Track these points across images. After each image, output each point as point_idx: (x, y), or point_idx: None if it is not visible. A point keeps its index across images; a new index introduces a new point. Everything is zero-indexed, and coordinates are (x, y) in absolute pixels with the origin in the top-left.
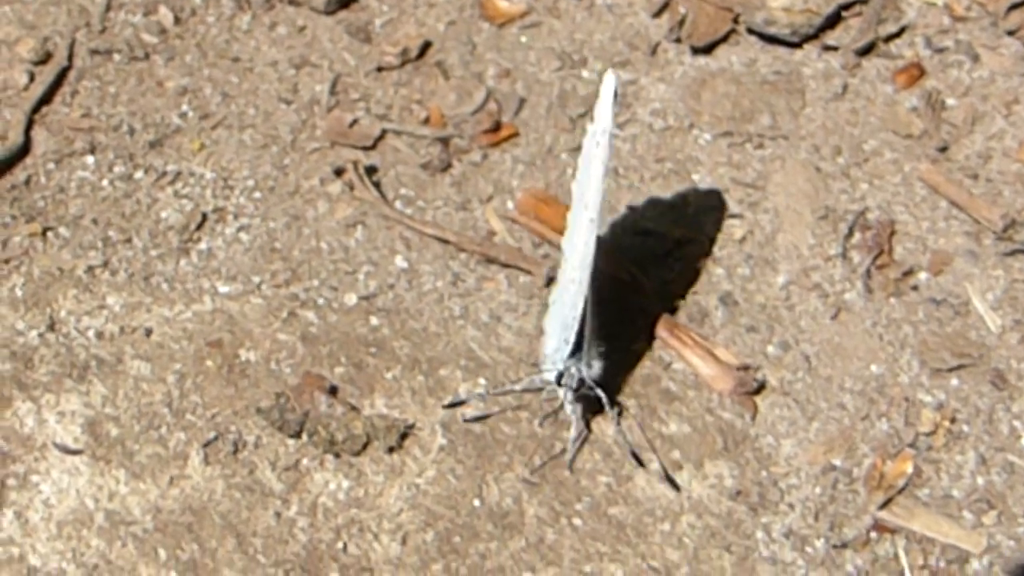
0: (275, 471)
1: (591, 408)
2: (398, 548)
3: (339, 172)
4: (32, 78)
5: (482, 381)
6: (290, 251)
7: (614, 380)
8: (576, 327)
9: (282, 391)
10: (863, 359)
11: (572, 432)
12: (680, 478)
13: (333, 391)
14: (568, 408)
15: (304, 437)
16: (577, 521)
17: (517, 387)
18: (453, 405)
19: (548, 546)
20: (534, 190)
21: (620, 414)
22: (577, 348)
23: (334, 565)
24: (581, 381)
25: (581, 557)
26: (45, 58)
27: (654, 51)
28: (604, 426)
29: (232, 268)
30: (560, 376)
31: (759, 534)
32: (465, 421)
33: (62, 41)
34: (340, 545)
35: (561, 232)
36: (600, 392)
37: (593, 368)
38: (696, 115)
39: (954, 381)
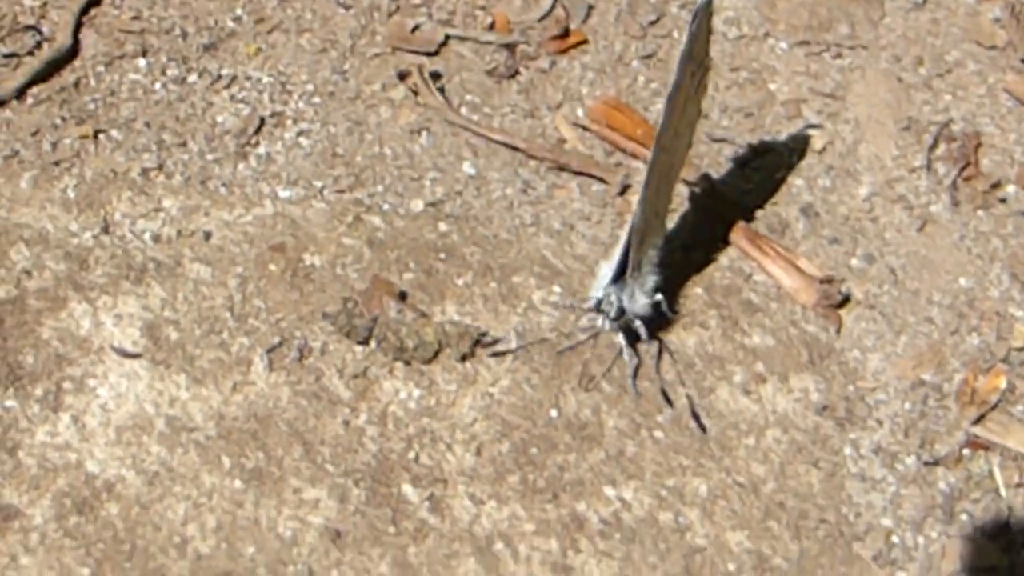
0: (343, 379)
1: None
2: (472, 459)
3: (403, 76)
4: None
5: (557, 289)
6: (352, 156)
7: (692, 290)
8: (620, 251)
9: (349, 296)
10: (951, 272)
11: (627, 364)
12: (764, 391)
13: (403, 296)
14: (616, 337)
15: (372, 344)
16: (658, 434)
17: (556, 312)
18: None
19: (628, 459)
20: (606, 97)
21: (660, 352)
22: (621, 274)
23: (406, 475)
24: (621, 311)
25: (663, 470)
26: None
27: None
28: (684, 336)
29: (292, 173)
30: (599, 303)
31: (847, 450)
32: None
33: None
34: (412, 455)
35: (634, 140)
36: (640, 326)
37: (637, 299)
38: (772, 23)
39: None
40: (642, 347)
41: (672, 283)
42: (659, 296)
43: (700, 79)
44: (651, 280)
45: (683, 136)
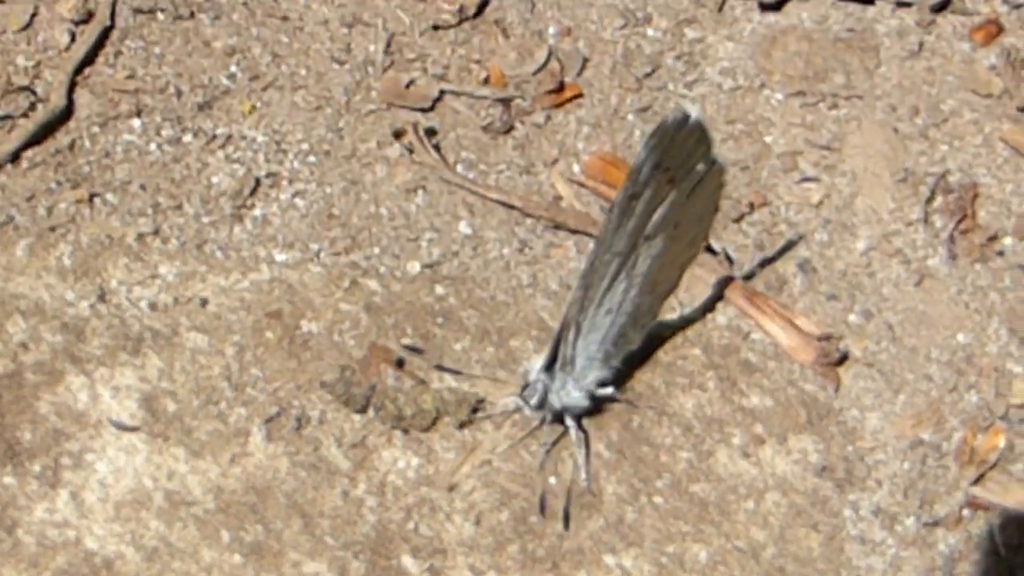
0: (341, 448)
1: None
2: (472, 528)
3: (398, 135)
4: (74, 38)
5: None
6: (349, 217)
7: (690, 351)
8: (555, 338)
9: (347, 364)
10: (949, 328)
11: (542, 448)
12: (763, 453)
13: (400, 364)
14: (546, 428)
15: (371, 412)
16: (658, 499)
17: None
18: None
19: (628, 526)
20: (601, 152)
21: (587, 445)
22: (552, 362)
23: (405, 547)
24: (542, 402)
25: (663, 537)
26: (87, 17)
27: (721, 7)
28: (683, 400)
29: (289, 235)
30: (523, 388)
31: (847, 512)
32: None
33: None
34: (411, 526)
35: None
36: (569, 421)
37: (569, 392)
38: (767, 74)
39: None
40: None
41: (651, 350)
42: (606, 390)
43: (698, 182)
44: (593, 375)
45: (664, 241)
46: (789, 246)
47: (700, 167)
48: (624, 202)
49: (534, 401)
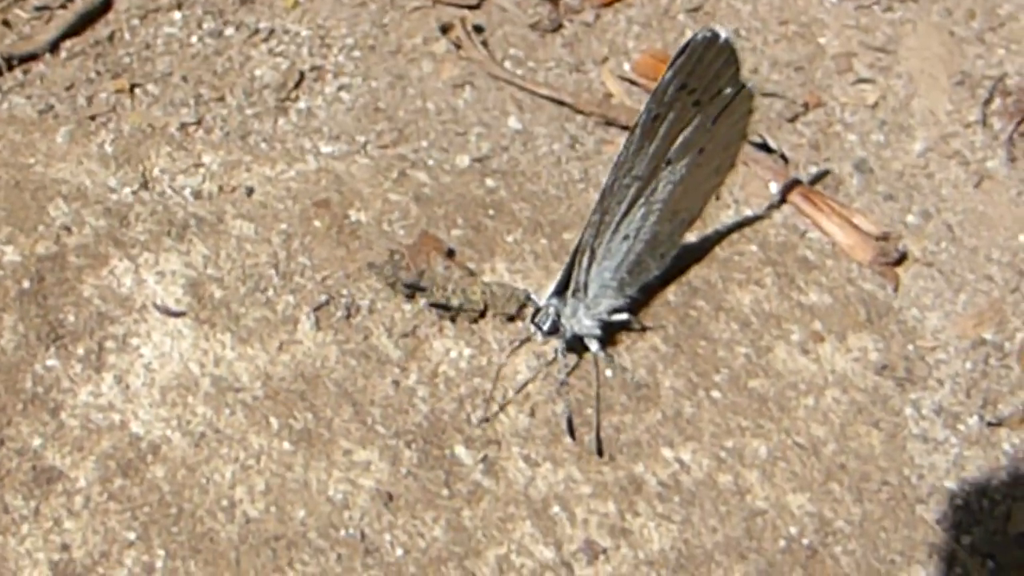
0: (392, 337)
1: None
2: (526, 420)
3: (445, 30)
4: None
5: None
6: (395, 111)
7: (747, 247)
8: (568, 263)
9: (397, 248)
10: (1010, 229)
11: (559, 374)
12: (822, 350)
13: (451, 254)
14: (555, 353)
15: (419, 299)
16: (716, 394)
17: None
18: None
19: (686, 420)
20: (652, 50)
21: (601, 373)
22: (564, 288)
23: (458, 437)
24: (555, 327)
25: (721, 432)
26: None
27: None
28: (740, 294)
29: (334, 128)
30: (535, 314)
31: (908, 410)
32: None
33: None
34: (464, 416)
35: None
36: (591, 341)
37: (581, 319)
38: None
39: None
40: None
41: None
42: (620, 316)
43: (725, 106)
44: (606, 302)
45: (693, 161)
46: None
47: (728, 91)
48: (646, 123)
49: (546, 327)
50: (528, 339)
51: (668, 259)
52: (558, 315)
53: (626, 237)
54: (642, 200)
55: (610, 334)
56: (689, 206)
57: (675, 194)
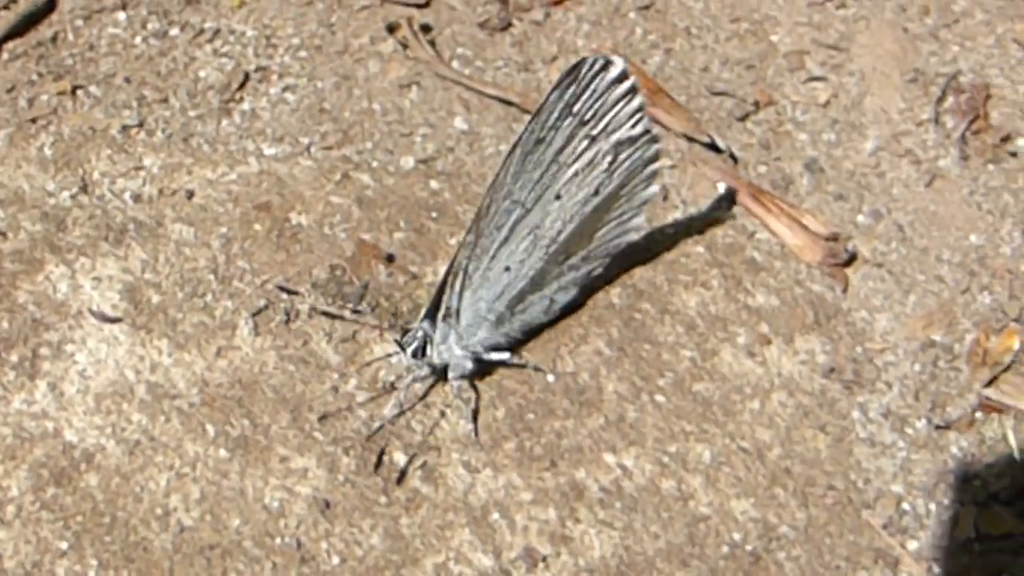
0: (331, 343)
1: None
2: (467, 425)
3: (392, 29)
4: None
5: None
6: (340, 112)
7: (694, 248)
8: (439, 284)
9: (337, 263)
10: (961, 229)
11: (395, 397)
12: (769, 353)
13: (391, 259)
14: (408, 375)
15: (365, 310)
16: (660, 398)
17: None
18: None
19: (629, 424)
20: (603, 49)
21: (476, 405)
22: (435, 311)
23: (398, 443)
24: (420, 352)
25: (665, 436)
26: None
27: None
28: (686, 298)
29: (278, 129)
30: (403, 335)
31: (855, 414)
32: None
33: None
34: (403, 421)
35: None
36: (453, 380)
37: (452, 348)
38: None
39: None
40: (644, 306)
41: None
42: (499, 355)
43: (631, 148)
44: (481, 335)
45: (588, 202)
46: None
47: (633, 131)
48: (527, 144)
49: (411, 349)
50: (390, 359)
51: (558, 307)
52: (427, 339)
53: (507, 268)
54: (526, 231)
55: (483, 371)
56: (585, 253)
57: (566, 234)
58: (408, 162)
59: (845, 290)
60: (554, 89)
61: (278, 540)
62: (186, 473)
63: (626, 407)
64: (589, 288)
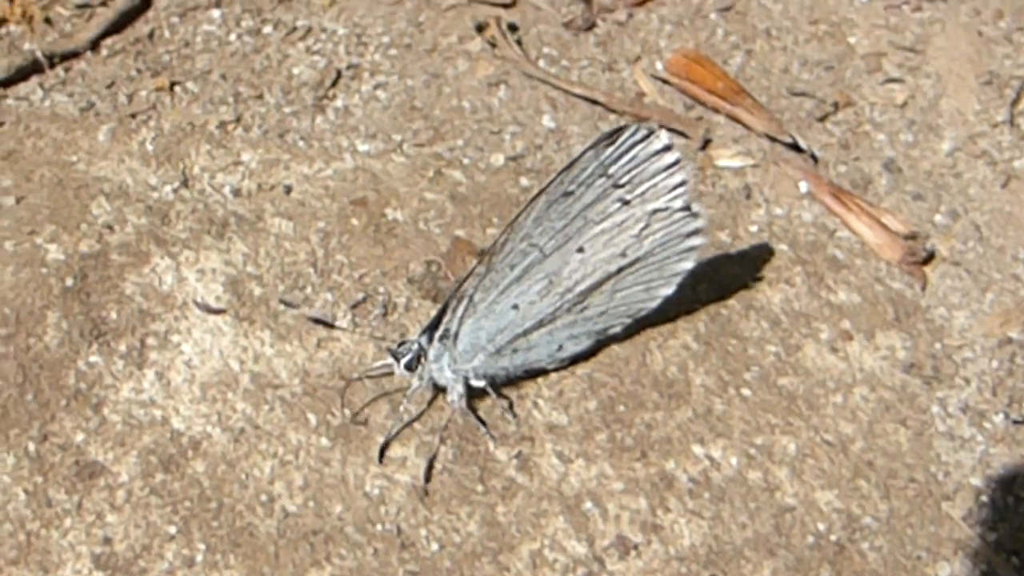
0: None
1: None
2: (560, 416)
3: (480, 28)
4: None
5: None
6: (431, 110)
7: (777, 246)
8: (443, 304)
9: (432, 259)
10: None
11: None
12: (851, 348)
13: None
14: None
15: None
16: (746, 391)
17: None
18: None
19: (717, 417)
20: (685, 50)
21: (476, 417)
22: (433, 330)
23: (493, 433)
24: (414, 363)
25: (752, 429)
26: None
27: None
28: (770, 294)
29: (371, 126)
30: (401, 343)
31: (935, 408)
32: None
33: None
34: (498, 412)
35: (715, 93)
36: (452, 396)
37: (443, 368)
38: None
39: None
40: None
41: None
42: (479, 382)
43: (665, 218)
44: (476, 363)
45: (614, 262)
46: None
47: (672, 203)
48: (552, 194)
49: (404, 361)
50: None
51: (566, 356)
52: (421, 354)
53: (515, 307)
54: (541, 276)
55: (476, 393)
56: (604, 308)
57: (584, 286)
58: (498, 159)
59: (924, 288)
60: (590, 148)
61: (379, 527)
62: (289, 461)
63: (713, 400)
64: (604, 342)
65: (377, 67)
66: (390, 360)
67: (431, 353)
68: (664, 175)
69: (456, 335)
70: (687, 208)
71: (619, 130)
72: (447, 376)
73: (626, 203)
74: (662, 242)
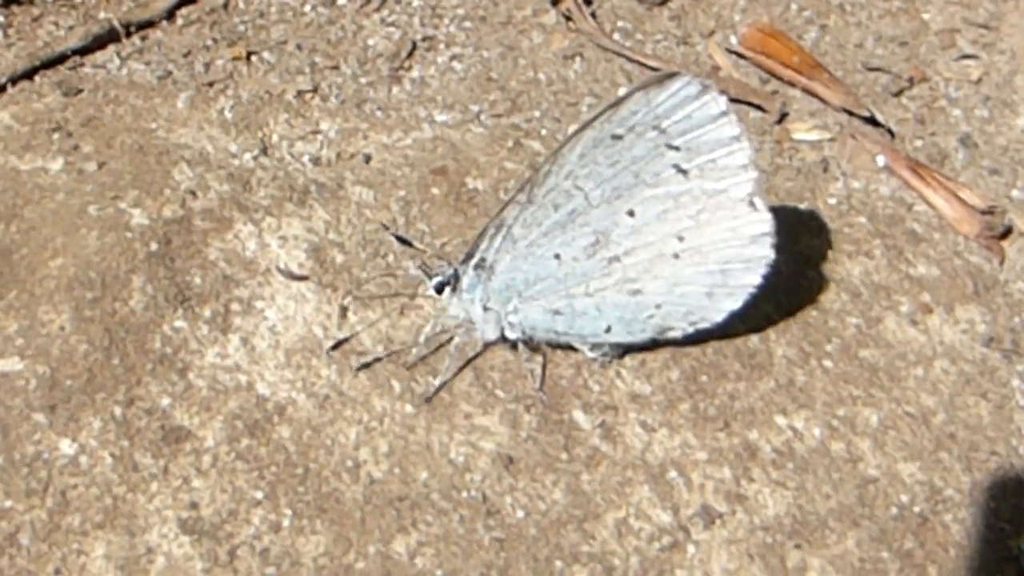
0: None
1: None
2: (642, 386)
3: (556, 2)
4: None
5: None
6: (507, 81)
7: (856, 219)
8: (483, 228)
9: None
10: None
11: (427, 330)
12: (931, 321)
13: None
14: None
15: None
16: (827, 363)
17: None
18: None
19: (799, 388)
20: (760, 24)
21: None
22: (470, 257)
23: (576, 402)
24: (444, 285)
25: (833, 400)
26: None
27: None
28: (850, 267)
29: (448, 97)
30: (440, 264)
31: (1015, 382)
32: None
33: None
34: (581, 381)
35: (790, 67)
36: (477, 324)
37: (474, 300)
38: None
39: None
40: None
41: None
42: (513, 336)
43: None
44: (511, 306)
45: (667, 241)
46: None
47: (735, 190)
48: (600, 132)
49: (435, 281)
50: (415, 293)
51: (615, 345)
52: (454, 279)
53: (558, 256)
54: (588, 230)
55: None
56: (660, 303)
57: (636, 261)
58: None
59: (1002, 262)
60: (639, 88)
61: (464, 493)
62: (374, 427)
63: (795, 371)
64: (662, 343)
65: (452, 39)
66: (421, 277)
67: (465, 281)
68: (724, 151)
69: (492, 268)
70: (751, 202)
71: (671, 75)
72: (476, 312)
73: (683, 172)
74: (723, 238)
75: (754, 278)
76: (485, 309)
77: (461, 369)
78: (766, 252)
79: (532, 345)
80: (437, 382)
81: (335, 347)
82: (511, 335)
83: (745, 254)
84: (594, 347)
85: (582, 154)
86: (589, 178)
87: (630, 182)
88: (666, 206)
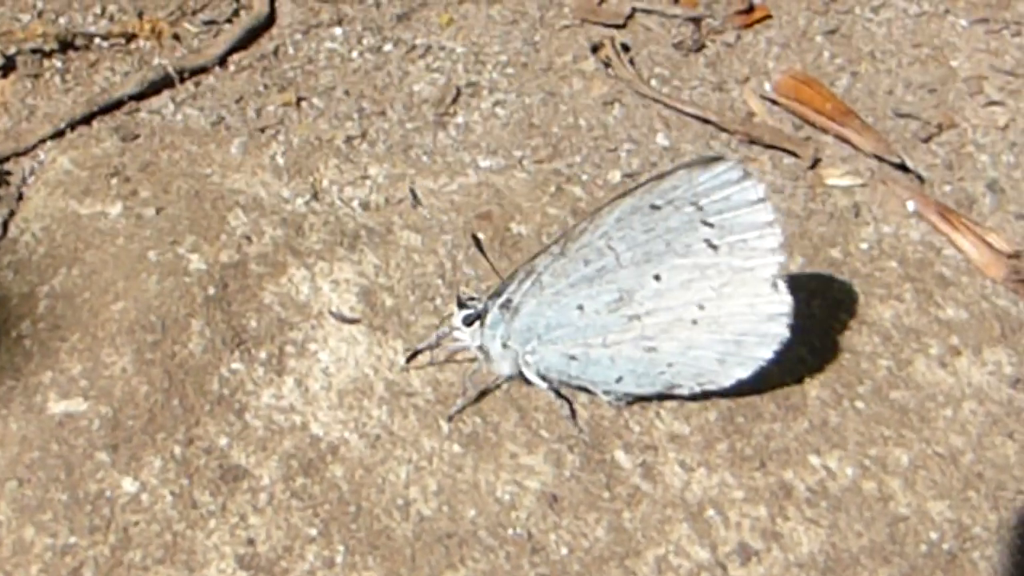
0: None
1: None
2: (681, 426)
3: (595, 49)
4: None
5: None
6: (549, 127)
7: (887, 263)
8: (513, 271)
9: None
10: None
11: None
12: (959, 363)
13: None
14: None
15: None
16: (860, 404)
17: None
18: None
19: (832, 428)
20: (793, 71)
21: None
22: (498, 296)
23: (618, 442)
24: (472, 319)
25: (865, 440)
26: None
27: None
28: (881, 310)
29: (491, 142)
30: (472, 297)
31: None
32: None
33: None
34: (622, 422)
35: (823, 114)
36: (495, 361)
37: (494, 338)
38: (951, 1)
39: None
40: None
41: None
42: (532, 378)
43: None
44: (529, 348)
45: (686, 308)
46: None
47: (761, 270)
48: (640, 201)
49: (463, 314)
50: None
51: (623, 395)
52: (480, 316)
53: (580, 308)
54: (614, 288)
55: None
56: (672, 362)
57: (655, 321)
58: (615, 176)
59: None
60: (684, 166)
61: (510, 531)
62: (424, 466)
63: (828, 412)
64: (667, 397)
65: (495, 85)
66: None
67: (489, 318)
68: (756, 234)
69: (517, 309)
70: (774, 283)
71: (716, 158)
72: (495, 349)
73: (713, 247)
74: (742, 312)
75: (766, 352)
76: (504, 346)
77: (483, 395)
78: (782, 330)
79: (555, 387)
80: (459, 403)
81: (410, 359)
82: (526, 373)
83: (761, 329)
84: (605, 392)
85: (619, 218)
86: (623, 240)
87: (661, 249)
88: (692, 276)
